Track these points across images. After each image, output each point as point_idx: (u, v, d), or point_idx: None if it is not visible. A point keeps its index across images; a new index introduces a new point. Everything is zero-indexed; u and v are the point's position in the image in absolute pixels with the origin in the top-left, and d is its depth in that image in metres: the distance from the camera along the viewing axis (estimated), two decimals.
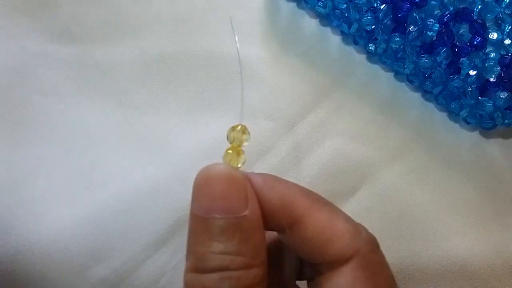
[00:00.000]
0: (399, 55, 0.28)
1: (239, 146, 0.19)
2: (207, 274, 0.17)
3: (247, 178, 0.18)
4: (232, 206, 0.17)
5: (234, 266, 0.17)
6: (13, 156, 0.27)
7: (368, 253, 0.19)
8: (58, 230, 0.26)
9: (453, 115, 0.29)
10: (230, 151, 0.19)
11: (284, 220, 0.19)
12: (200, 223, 0.17)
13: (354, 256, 0.18)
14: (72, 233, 0.26)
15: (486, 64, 0.27)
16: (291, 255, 0.22)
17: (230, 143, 0.20)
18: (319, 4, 0.29)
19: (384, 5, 0.27)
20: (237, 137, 0.20)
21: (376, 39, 0.28)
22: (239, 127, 0.20)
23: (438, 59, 0.27)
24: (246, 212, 0.17)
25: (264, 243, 0.18)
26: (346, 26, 0.29)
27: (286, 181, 0.19)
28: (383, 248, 0.27)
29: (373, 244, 0.19)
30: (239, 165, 0.19)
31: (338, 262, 0.18)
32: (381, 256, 0.20)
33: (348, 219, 0.19)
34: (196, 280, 0.17)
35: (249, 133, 0.20)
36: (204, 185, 0.18)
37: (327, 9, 0.29)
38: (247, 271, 0.17)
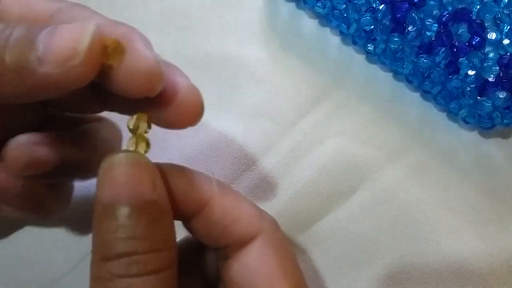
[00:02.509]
0: (398, 55, 0.28)
1: (144, 133, 0.19)
2: (114, 260, 0.16)
3: (153, 164, 0.18)
4: (138, 191, 0.17)
5: (142, 250, 0.16)
6: None
7: (272, 231, 0.20)
8: (58, 231, 0.26)
9: (452, 115, 0.29)
10: (133, 139, 0.18)
11: (192, 205, 0.19)
12: (106, 210, 0.17)
13: (259, 235, 0.19)
14: (72, 232, 0.26)
15: (485, 64, 0.27)
16: (211, 253, 0.22)
17: (133, 130, 0.18)
18: (318, 4, 0.29)
19: (383, 5, 0.27)
20: (141, 125, 0.19)
21: (375, 39, 0.28)
22: (137, 115, 0.18)
23: (437, 59, 0.27)
24: (154, 197, 0.17)
25: (172, 228, 0.18)
26: (345, 26, 0.29)
27: (193, 169, 0.20)
28: (383, 248, 0.27)
29: (275, 224, 0.21)
30: (144, 151, 0.18)
31: (244, 242, 0.19)
32: (283, 233, 0.21)
33: (252, 203, 0.20)
34: (103, 268, 0.17)
35: (149, 124, 0.19)
36: (108, 173, 0.17)
37: (326, 9, 0.29)
38: (156, 254, 0.17)
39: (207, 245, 0.21)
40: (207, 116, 0.29)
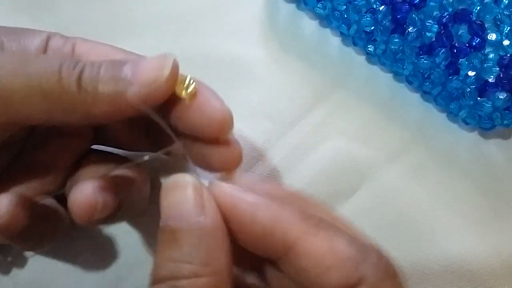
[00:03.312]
0: (398, 56, 0.28)
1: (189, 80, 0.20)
2: (157, 285, 0.16)
3: (203, 186, 0.18)
4: (183, 212, 0.17)
5: (181, 275, 0.16)
6: None
7: (376, 281, 0.16)
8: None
9: (452, 115, 0.29)
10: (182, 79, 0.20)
11: (277, 246, 0.17)
12: (159, 232, 0.17)
13: (361, 283, 0.16)
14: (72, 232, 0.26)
15: (485, 65, 0.27)
16: None
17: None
18: (318, 5, 0.29)
19: (383, 6, 0.27)
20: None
21: (375, 40, 0.28)
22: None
23: (437, 60, 0.27)
24: (200, 218, 0.17)
25: (222, 253, 0.17)
26: (346, 27, 0.29)
27: (282, 204, 0.18)
28: (383, 248, 0.27)
29: (383, 271, 0.17)
30: (189, 90, 0.20)
31: None
32: (395, 285, 0.17)
33: (353, 242, 0.17)
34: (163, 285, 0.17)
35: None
36: (165, 195, 0.18)
37: (326, 10, 0.29)
38: (195, 279, 0.16)
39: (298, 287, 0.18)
40: None
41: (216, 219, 0.17)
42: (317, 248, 0.17)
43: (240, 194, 0.18)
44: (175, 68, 0.19)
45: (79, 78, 0.18)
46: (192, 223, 0.17)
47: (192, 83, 0.20)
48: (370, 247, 0.18)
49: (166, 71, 0.19)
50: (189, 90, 0.20)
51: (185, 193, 0.17)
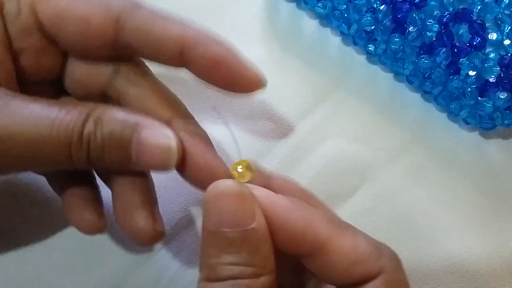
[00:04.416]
0: (398, 55, 0.28)
1: (247, 162, 0.20)
2: (219, 282, 0.18)
3: (253, 194, 0.19)
4: (239, 220, 0.18)
5: (244, 276, 0.18)
6: None
7: (392, 270, 0.19)
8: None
9: (453, 115, 0.29)
10: (239, 167, 0.20)
11: (308, 245, 0.19)
12: (211, 236, 0.18)
13: (379, 274, 0.19)
14: (72, 231, 0.26)
15: (486, 65, 0.27)
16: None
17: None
18: (318, 4, 0.29)
19: (383, 5, 0.27)
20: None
21: (375, 39, 0.28)
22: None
23: (438, 59, 0.27)
24: (253, 225, 0.18)
25: (271, 254, 0.19)
26: (346, 26, 0.29)
27: (309, 207, 0.20)
28: None
29: (396, 262, 0.20)
30: (245, 181, 0.20)
31: (362, 281, 0.19)
32: (404, 274, 0.20)
33: (369, 240, 0.20)
34: (208, 286, 0.18)
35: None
36: (214, 201, 0.19)
37: (326, 9, 0.29)
38: (256, 279, 0.18)
39: (323, 280, 0.21)
40: (206, 117, 0.29)
41: (265, 223, 0.19)
42: (343, 247, 0.19)
43: (275, 198, 0.19)
44: (180, 152, 0.20)
45: (88, 157, 0.19)
46: (248, 231, 0.18)
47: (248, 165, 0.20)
48: (381, 243, 0.20)
49: (173, 162, 0.20)
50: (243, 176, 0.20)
51: (239, 200, 0.18)
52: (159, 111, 0.22)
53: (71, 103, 0.22)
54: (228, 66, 0.21)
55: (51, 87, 0.23)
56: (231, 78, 0.21)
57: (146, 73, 0.23)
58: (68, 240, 0.26)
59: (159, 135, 0.20)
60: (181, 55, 0.21)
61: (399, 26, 0.27)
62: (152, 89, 0.22)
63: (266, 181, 0.21)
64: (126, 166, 0.20)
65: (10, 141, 0.19)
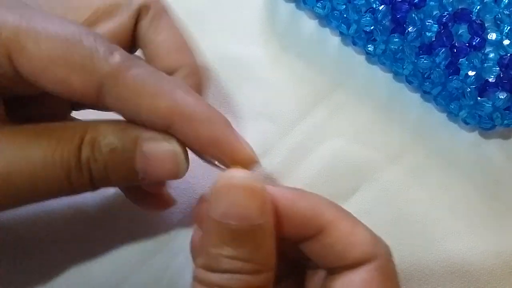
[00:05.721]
0: (398, 55, 0.28)
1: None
2: (218, 273, 0.18)
3: (265, 190, 0.19)
4: (247, 214, 0.18)
5: (244, 271, 0.18)
6: None
7: (385, 259, 0.20)
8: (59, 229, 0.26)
9: (452, 115, 0.29)
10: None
11: (312, 229, 0.20)
12: (215, 225, 0.18)
13: (373, 260, 0.19)
14: (72, 232, 0.26)
15: (485, 65, 0.27)
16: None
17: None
18: (318, 5, 0.29)
19: (383, 6, 0.27)
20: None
21: (375, 40, 0.28)
22: None
23: (437, 59, 0.27)
24: (261, 221, 0.18)
25: (274, 251, 0.19)
26: (345, 27, 0.29)
27: (312, 193, 0.21)
28: None
29: (389, 254, 0.20)
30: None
31: (356, 265, 0.19)
32: (395, 266, 0.21)
33: (368, 229, 0.20)
34: (205, 277, 0.18)
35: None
36: (224, 191, 0.18)
37: (326, 10, 0.29)
38: (256, 276, 0.18)
39: (316, 263, 0.21)
40: None
41: (272, 220, 0.19)
42: (343, 228, 0.20)
43: (281, 190, 0.20)
44: (187, 158, 0.20)
45: (91, 181, 0.19)
46: (254, 226, 0.18)
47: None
48: (377, 234, 0.21)
49: (183, 169, 0.20)
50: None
51: (250, 194, 0.18)
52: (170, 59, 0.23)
53: (55, 128, 0.19)
54: (219, 149, 0.20)
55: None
56: (221, 158, 0.20)
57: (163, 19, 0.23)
58: (68, 240, 0.26)
59: (161, 145, 0.19)
60: (169, 129, 0.19)
61: (399, 26, 0.27)
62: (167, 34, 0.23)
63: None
64: (135, 181, 0.19)
65: (5, 181, 0.18)
